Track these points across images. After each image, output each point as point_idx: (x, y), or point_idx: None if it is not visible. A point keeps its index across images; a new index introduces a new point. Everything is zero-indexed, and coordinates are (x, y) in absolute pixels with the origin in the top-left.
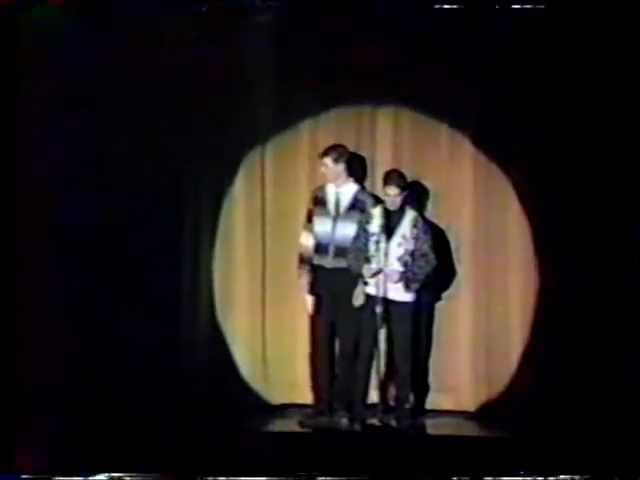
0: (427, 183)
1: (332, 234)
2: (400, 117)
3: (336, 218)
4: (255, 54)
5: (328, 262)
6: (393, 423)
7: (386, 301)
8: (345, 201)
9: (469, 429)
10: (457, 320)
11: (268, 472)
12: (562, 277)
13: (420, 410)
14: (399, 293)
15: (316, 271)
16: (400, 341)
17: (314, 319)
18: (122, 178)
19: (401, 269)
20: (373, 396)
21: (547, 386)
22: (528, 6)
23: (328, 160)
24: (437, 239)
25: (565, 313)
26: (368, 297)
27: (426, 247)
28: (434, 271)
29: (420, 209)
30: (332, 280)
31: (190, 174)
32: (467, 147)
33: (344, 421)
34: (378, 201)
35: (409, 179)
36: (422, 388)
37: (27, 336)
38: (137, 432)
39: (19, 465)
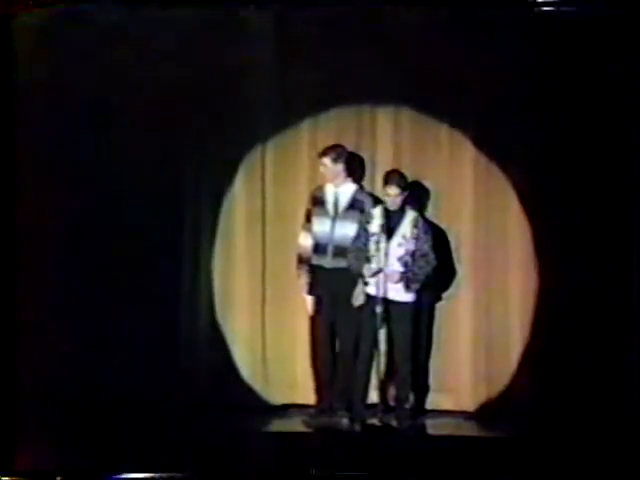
0: (427, 183)
1: (331, 234)
2: (400, 117)
3: (335, 218)
4: (255, 54)
5: (327, 262)
6: (393, 423)
7: (386, 301)
8: (344, 201)
9: (469, 429)
10: (457, 320)
11: (268, 472)
12: (562, 277)
13: (420, 410)
14: (399, 293)
15: (315, 271)
16: (400, 341)
17: (314, 319)
18: (122, 178)
19: (401, 269)
20: (373, 396)
21: (547, 386)
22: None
23: (327, 160)
24: (437, 239)
25: (565, 313)
26: (368, 297)
27: (426, 247)
28: (434, 271)
29: (420, 209)
30: (331, 280)
31: (190, 174)
32: (467, 147)
33: (344, 421)
34: (377, 201)
35: (409, 179)
36: (422, 388)
37: (27, 336)
38: (137, 432)
39: (19, 465)
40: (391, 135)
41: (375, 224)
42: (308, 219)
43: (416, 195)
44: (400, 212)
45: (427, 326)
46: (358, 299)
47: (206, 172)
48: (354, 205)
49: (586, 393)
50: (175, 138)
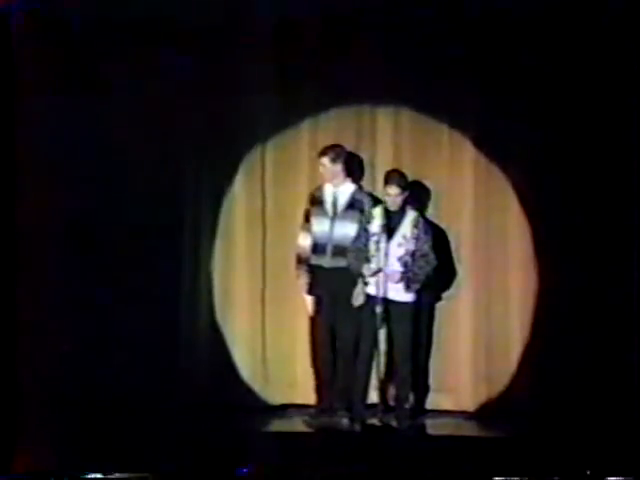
0: (428, 183)
1: (330, 234)
2: (400, 117)
3: (334, 218)
4: (255, 54)
5: (326, 262)
6: (393, 423)
7: (386, 301)
8: (343, 201)
9: (469, 429)
10: (457, 320)
11: (268, 472)
12: (562, 277)
13: (420, 410)
14: (399, 293)
15: (314, 271)
16: (400, 341)
17: (314, 319)
18: (122, 178)
19: (401, 269)
20: (373, 396)
21: (547, 386)
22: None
23: (326, 160)
24: (437, 239)
25: (565, 313)
26: (368, 297)
27: (427, 247)
28: (434, 271)
29: (421, 209)
30: (331, 280)
31: (190, 174)
32: (467, 147)
33: (344, 421)
34: (376, 201)
35: (410, 179)
36: (422, 388)
37: (27, 336)
38: (137, 432)
39: (19, 465)
40: (391, 135)
41: (375, 224)
42: (307, 219)
43: (416, 195)
44: (400, 212)
45: (427, 326)
46: (358, 299)
47: (206, 172)
48: (353, 205)
49: (586, 393)
50: (175, 138)
